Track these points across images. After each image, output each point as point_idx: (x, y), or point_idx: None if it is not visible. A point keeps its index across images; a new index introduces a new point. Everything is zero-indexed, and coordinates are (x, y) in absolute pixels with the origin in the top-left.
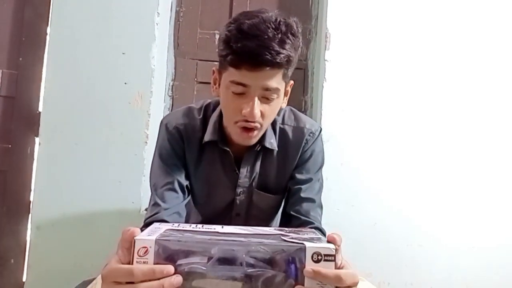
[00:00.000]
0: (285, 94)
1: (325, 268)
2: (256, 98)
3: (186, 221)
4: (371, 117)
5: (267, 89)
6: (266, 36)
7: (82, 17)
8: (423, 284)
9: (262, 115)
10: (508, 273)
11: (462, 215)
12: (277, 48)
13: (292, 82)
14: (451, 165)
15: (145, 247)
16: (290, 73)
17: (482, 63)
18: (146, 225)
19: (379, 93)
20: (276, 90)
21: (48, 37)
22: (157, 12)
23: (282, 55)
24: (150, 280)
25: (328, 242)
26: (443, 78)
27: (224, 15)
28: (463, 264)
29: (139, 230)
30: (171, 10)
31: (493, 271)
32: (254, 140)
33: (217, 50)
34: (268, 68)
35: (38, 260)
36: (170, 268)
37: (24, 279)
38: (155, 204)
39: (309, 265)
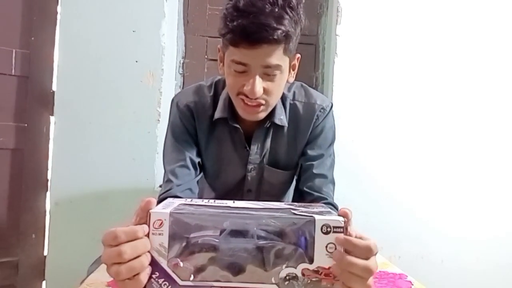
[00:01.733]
0: (292, 68)
1: (334, 239)
2: (257, 76)
3: (200, 197)
4: (383, 93)
5: (267, 66)
6: (262, 13)
7: None
8: (434, 257)
9: (266, 91)
10: None
11: (472, 189)
12: (274, 24)
13: (298, 55)
14: (462, 140)
15: (160, 220)
16: (292, 47)
17: (491, 55)
18: (160, 201)
19: (392, 68)
20: (277, 66)
21: (58, 16)
22: None
23: (279, 31)
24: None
25: (340, 215)
26: (455, 54)
27: None
28: (473, 237)
29: (155, 200)
30: None
31: (503, 243)
32: (261, 115)
33: (218, 28)
34: (266, 45)
35: (58, 235)
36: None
37: (45, 253)
38: (168, 181)
39: (319, 237)
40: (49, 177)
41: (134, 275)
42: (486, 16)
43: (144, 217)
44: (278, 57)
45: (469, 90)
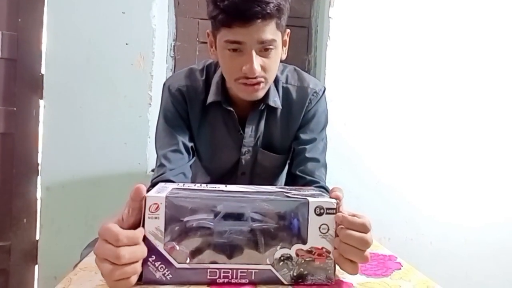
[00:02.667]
0: (284, 44)
1: (327, 220)
2: (254, 53)
3: (193, 182)
4: (375, 77)
5: (262, 42)
6: None
7: None
8: (423, 239)
9: (263, 68)
10: (505, 229)
11: (462, 174)
12: None
13: (288, 30)
14: (452, 124)
15: (156, 204)
16: (283, 22)
17: (489, 45)
18: (153, 185)
19: (385, 52)
20: (272, 41)
21: None
22: None
23: (271, 5)
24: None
25: (332, 197)
26: (450, 38)
27: None
28: (462, 221)
29: (144, 186)
30: None
31: (491, 227)
32: (261, 94)
33: (206, 12)
34: (259, 21)
35: (50, 219)
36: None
37: (37, 238)
38: (161, 165)
39: (312, 218)
40: (39, 161)
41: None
42: (481, 5)
43: (136, 208)
44: (272, 32)
45: (460, 75)
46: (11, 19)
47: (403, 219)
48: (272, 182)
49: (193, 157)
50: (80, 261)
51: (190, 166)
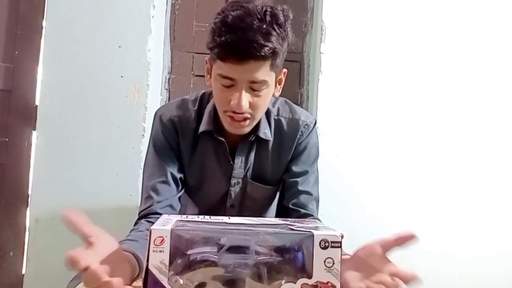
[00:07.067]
0: (279, 83)
1: (332, 254)
2: (243, 91)
3: (183, 214)
4: (367, 110)
5: (253, 81)
6: (250, 29)
7: (78, 10)
8: (417, 273)
9: (252, 106)
10: (501, 263)
11: (455, 206)
12: (261, 41)
13: (285, 70)
14: (446, 157)
15: (161, 237)
16: (279, 63)
17: (478, 57)
18: (140, 217)
19: (375, 85)
20: (264, 82)
21: (44, 30)
22: (153, 5)
23: (266, 48)
24: None
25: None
26: (438, 70)
27: (220, 8)
28: (456, 254)
29: (71, 212)
30: (166, 3)
31: (486, 260)
32: (246, 130)
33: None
34: (253, 61)
35: (37, 252)
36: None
37: (23, 272)
38: (148, 197)
39: (317, 252)
40: (29, 192)
41: None
42: (477, 29)
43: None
44: (264, 73)
45: (455, 108)
46: (8, 52)
47: (397, 253)
48: (261, 215)
49: (182, 189)
50: None
51: (179, 198)
